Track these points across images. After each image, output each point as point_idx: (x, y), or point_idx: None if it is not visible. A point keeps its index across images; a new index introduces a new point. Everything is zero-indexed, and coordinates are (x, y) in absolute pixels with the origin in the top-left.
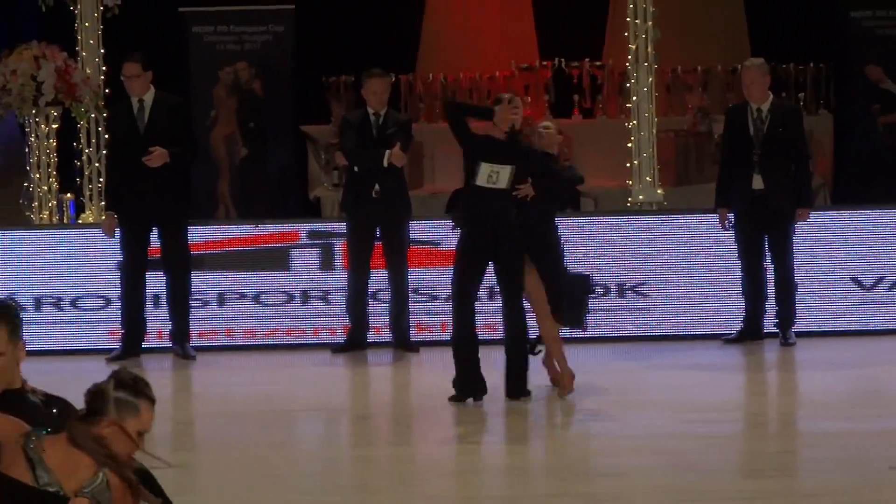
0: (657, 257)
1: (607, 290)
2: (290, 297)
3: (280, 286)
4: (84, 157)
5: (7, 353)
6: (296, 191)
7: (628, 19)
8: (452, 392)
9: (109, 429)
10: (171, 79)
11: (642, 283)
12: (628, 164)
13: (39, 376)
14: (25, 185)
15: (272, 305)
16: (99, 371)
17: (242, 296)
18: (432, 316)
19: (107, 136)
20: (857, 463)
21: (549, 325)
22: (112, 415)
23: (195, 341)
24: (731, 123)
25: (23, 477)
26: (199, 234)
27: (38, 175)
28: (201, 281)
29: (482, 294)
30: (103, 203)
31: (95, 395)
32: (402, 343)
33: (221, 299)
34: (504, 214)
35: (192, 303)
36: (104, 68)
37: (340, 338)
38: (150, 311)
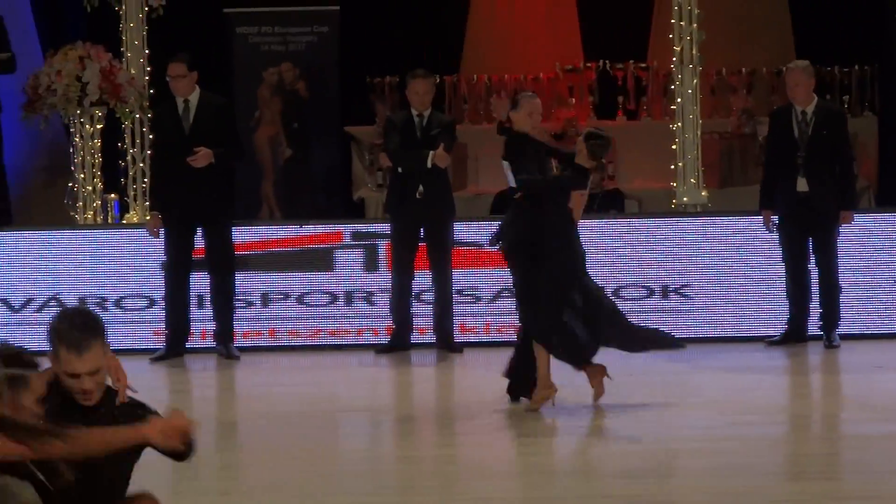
0: (701, 259)
1: (651, 293)
2: (334, 298)
3: (324, 287)
4: (128, 158)
5: (102, 366)
6: (340, 192)
7: (673, 21)
8: (497, 392)
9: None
10: (216, 79)
11: (686, 286)
12: (673, 166)
13: None
14: (70, 185)
15: (316, 306)
16: (143, 371)
17: (286, 296)
18: (476, 317)
19: (151, 137)
20: None
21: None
22: (6, 394)
23: (239, 342)
24: (776, 126)
25: None
26: (244, 235)
27: (82, 175)
28: (245, 281)
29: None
30: (147, 203)
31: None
32: (446, 344)
33: (265, 299)
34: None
35: (236, 303)
36: (149, 69)
37: (384, 338)
38: (193, 311)
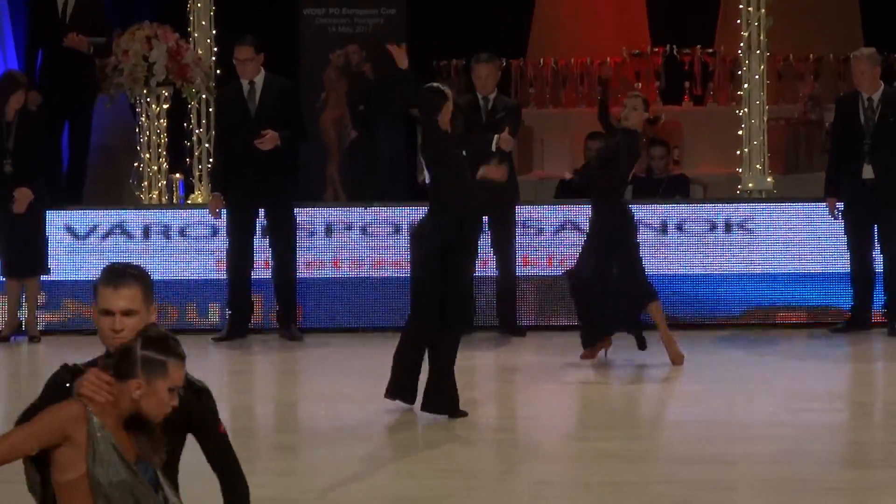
0: (766, 245)
1: (716, 277)
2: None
3: None
4: (194, 138)
5: (141, 313)
6: (405, 174)
7: (741, 6)
8: (558, 375)
9: (139, 390)
10: (283, 61)
11: (750, 271)
12: (738, 152)
13: None
14: (136, 164)
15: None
16: (206, 349)
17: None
18: (539, 301)
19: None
20: None
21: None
22: (140, 375)
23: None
24: (842, 113)
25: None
26: (308, 216)
27: (147, 155)
28: None
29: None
30: (210, 184)
31: (123, 355)
32: (509, 327)
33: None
34: None
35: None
36: (216, 49)
37: None
38: (255, 291)
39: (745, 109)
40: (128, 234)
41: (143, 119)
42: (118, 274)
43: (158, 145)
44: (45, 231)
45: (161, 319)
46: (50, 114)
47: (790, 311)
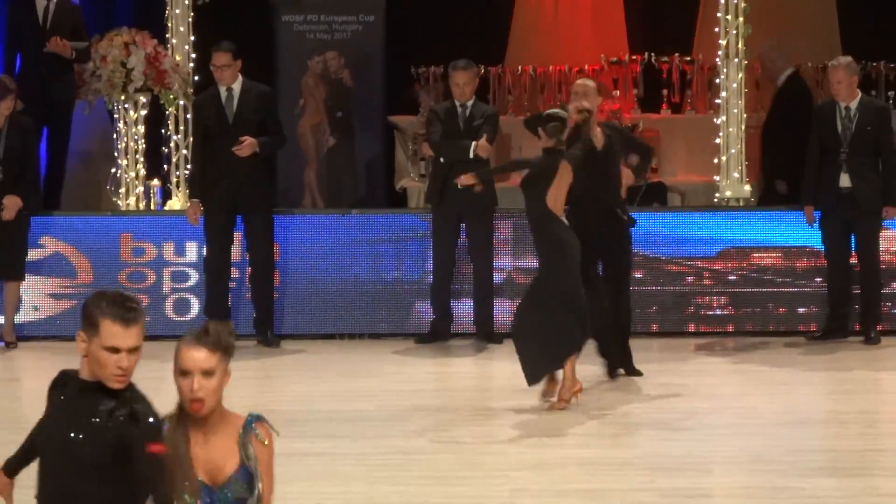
0: (744, 253)
1: (691, 285)
2: None
3: None
4: (172, 144)
5: (140, 351)
6: (382, 181)
7: (719, 15)
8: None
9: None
10: (261, 67)
11: (729, 278)
12: (716, 160)
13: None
14: (113, 170)
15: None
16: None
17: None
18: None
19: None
20: None
21: None
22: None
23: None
24: (820, 121)
25: None
26: (286, 223)
27: (125, 161)
28: None
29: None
30: (188, 191)
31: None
32: (486, 334)
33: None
34: None
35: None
36: (194, 55)
37: (425, 328)
38: (232, 298)
39: (723, 117)
40: (105, 240)
41: (121, 125)
42: (127, 311)
43: (136, 151)
44: (27, 238)
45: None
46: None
47: (768, 319)
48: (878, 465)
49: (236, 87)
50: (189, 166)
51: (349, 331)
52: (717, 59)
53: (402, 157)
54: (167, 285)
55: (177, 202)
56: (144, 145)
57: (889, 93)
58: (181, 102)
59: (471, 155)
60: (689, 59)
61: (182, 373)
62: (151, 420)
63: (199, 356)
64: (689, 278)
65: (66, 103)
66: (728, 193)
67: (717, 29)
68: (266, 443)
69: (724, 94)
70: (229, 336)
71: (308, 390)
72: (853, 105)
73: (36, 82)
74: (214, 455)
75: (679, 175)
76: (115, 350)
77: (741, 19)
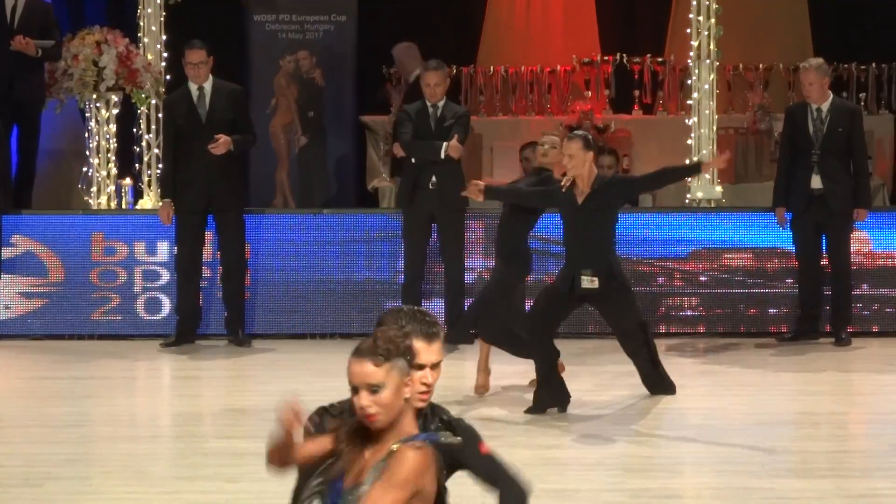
0: (715, 254)
1: (662, 286)
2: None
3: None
4: (143, 143)
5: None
6: (354, 181)
7: (691, 16)
8: (508, 383)
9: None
10: (232, 66)
11: (700, 279)
12: (687, 161)
13: (99, 359)
14: (84, 169)
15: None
16: (154, 354)
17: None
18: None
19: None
20: None
21: None
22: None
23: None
24: (791, 123)
25: None
26: (257, 222)
27: (96, 160)
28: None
29: None
30: (160, 190)
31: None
32: (457, 334)
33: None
34: None
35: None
36: (166, 54)
37: None
38: (204, 297)
39: (695, 118)
40: (77, 240)
41: (93, 124)
42: (430, 327)
43: (108, 150)
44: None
45: (109, 321)
46: None
47: (738, 320)
48: (848, 466)
49: (207, 85)
50: (161, 165)
51: (321, 330)
52: (689, 61)
53: (373, 157)
54: (139, 284)
55: (148, 201)
56: (116, 144)
57: (860, 94)
58: (153, 101)
59: (442, 155)
60: (660, 59)
61: (351, 388)
62: (464, 425)
63: (363, 370)
64: (660, 279)
65: (36, 102)
66: (699, 194)
67: (688, 30)
68: (410, 455)
69: (695, 95)
70: (402, 340)
71: (280, 390)
72: (824, 107)
73: (3, 81)
74: (373, 463)
75: None
76: (420, 367)
77: (713, 20)
